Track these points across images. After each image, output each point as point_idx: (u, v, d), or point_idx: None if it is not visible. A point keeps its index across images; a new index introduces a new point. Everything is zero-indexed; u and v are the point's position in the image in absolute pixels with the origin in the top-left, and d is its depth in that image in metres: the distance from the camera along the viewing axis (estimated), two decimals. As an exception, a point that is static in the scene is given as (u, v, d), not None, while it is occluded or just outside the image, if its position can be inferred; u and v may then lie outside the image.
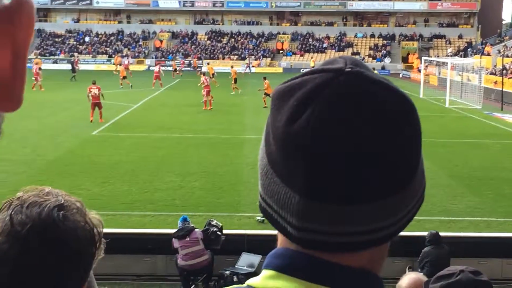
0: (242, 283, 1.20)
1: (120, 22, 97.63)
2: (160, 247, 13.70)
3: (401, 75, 77.84)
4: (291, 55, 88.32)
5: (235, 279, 12.33)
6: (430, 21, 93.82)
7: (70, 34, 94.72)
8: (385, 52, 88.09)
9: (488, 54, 68.56)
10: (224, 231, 13.51)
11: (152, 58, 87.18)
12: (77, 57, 76.58)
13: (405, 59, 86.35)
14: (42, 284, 1.73)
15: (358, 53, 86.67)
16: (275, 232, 1.17)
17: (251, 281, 1.16)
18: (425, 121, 33.93)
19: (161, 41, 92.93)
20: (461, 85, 51.21)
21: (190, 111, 38.23)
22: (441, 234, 12.86)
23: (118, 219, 16.31)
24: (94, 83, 34.21)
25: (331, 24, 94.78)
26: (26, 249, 1.71)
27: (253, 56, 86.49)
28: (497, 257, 13.83)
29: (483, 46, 76.51)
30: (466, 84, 51.70)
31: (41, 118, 33.80)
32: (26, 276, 1.71)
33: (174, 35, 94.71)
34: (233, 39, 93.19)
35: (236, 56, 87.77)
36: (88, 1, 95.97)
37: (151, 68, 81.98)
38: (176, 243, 12.98)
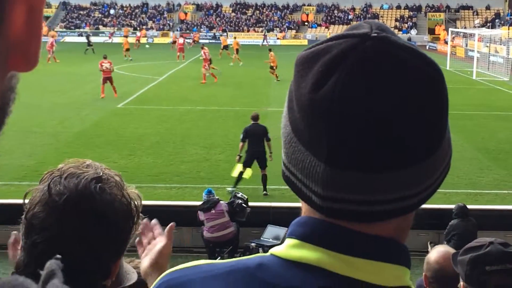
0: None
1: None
2: (186, 219, 13.77)
3: (427, 47, 77.09)
4: (316, 27, 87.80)
5: (260, 251, 12.37)
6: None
7: (95, 7, 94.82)
8: (411, 23, 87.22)
9: (516, 25, 67.70)
10: (250, 204, 13.55)
11: (177, 30, 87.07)
12: (90, 34, 75.96)
13: (431, 31, 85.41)
14: (77, 253, 1.75)
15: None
16: (300, 204, 1.16)
17: (274, 250, 1.15)
18: (452, 93, 33.49)
19: (186, 14, 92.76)
20: (488, 57, 50.65)
21: (215, 84, 38.19)
22: (468, 207, 12.79)
23: (144, 191, 16.26)
24: (105, 58, 32.90)
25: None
26: (63, 218, 1.74)
27: (261, 29, 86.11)
28: (524, 230, 13.76)
29: (511, 17, 75.43)
30: (493, 55, 51.12)
31: (67, 91, 33.96)
32: (61, 244, 1.73)
33: (198, 8, 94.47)
34: (257, 11, 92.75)
35: (261, 29, 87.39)
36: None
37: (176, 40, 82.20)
38: (201, 216, 13.05)
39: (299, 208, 1.18)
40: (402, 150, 1.03)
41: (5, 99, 0.67)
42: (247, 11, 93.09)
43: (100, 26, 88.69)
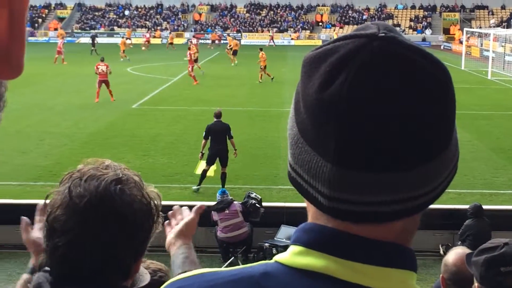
0: None
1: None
2: (199, 219, 13.77)
3: (442, 47, 76.82)
4: (330, 28, 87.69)
5: (274, 251, 12.37)
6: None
7: (109, 8, 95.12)
8: (426, 23, 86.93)
9: (532, 25, 67.33)
10: (263, 204, 13.55)
11: (191, 31, 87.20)
12: (96, 35, 75.81)
13: (446, 31, 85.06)
14: (98, 255, 1.77)
15: (398, 25, 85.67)
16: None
17: (279, 257, 1.13)
18: (467, 93, 33.63)
19: (200, 14, 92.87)
20: (503, 57, 50.40)
21: (229, 84, 38.22)
22: (483, 207, 12.74)
23: (159, 191, 16.41)
24: (102, 60, 31.55)
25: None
26: (83, 221, 1.76)
27: (275, 29, 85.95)
28: (539, 231, 13.67)
29: (527, 16, 75.09)
30: (509, 55, 50.85)
31: (81, 92, 34.09)
32: (83, 246, 1.76)
33: (213, 8, 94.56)
34: (272, 12, 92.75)
35: (275, 29, 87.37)
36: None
37: (190, 41, 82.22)
38: (215, 216, 13.06)
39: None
40: (408, 151, 1.03)
41: None
42: (261, 12, 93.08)
43: (115, 27, 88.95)
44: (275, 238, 12.88)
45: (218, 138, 16.84)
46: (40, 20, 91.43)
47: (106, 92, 30.56)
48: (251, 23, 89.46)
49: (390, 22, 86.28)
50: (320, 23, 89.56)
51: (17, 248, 12.82)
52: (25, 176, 17.87)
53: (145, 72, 44.99)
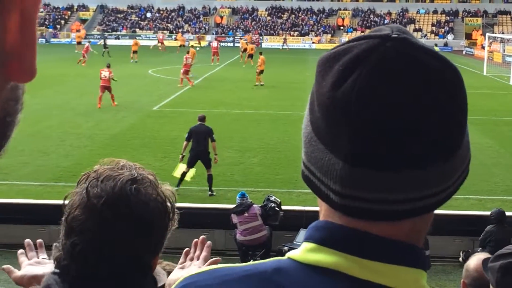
0: None
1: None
2: (219, 222, 13.81)
3: (464, 52, 76.43)
4: (351, 32, 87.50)
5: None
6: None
7: (132, 10, 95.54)
8: (448, 28, 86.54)
9: (555, 31, 66.80)
10: (283, 207, 13.55)
11: (213, 34, 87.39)
12: (107, 36, 75.78)
13: (468, 36, 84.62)
14: (117, 253, 1.82)
15: (420, 30, 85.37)
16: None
17: (291, 254, 1.16)
18: (488, 98, 33.43)
19: (222, 17, 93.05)
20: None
21: (250, 87, 38.26)
22: (504, 213, 12.65)
23: (178, 194, 16.46)
24: (108, 66, 31.21)
25: (392, 0, 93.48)
26: (101, 220, 1.81)
27: (296, 33, 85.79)
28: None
29: (550, 22, 74.53)
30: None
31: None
32: (100, 245, 1.81)
33: (234, 11, 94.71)
34: (293, 15, 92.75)
35: (297, 33, 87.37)
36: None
37: (211, 44, 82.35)
38: (234, 219, 13.08)
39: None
40: (420, 150, 1.04)
41: (7, 109, 0.67)
42: (282, 15, 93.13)
43: (137, 29, 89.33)
44: (294, 242, 12.86)
45: (199, 140, 17.18)
46: (62, 21, 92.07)
47: (128, 94, 30.64)
48: (272, 27, 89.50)
49: (412, 26, 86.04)
50: (342, 27, 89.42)
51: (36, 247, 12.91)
52: (46, 177, 18.00)
53: (166, 74, 45.14)
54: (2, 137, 0.67)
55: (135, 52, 54.55)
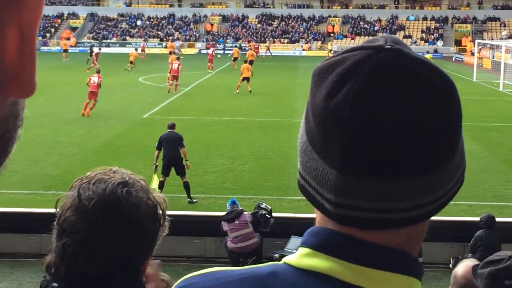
0: None
1: (171, 5, 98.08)
2: (209, 229, 13.79)
3: (453, 59, 76.71)
4: (342, 38, 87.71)
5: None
6: (484, 3, 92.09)
7: (122, 18, 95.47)
8: (437, 35, 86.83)
9: (544, 37, 67.08)
10: (274, 214, 13.54)
11: (203, 41, 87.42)
12: (94, 44, 75.29)
13: (458, 42, 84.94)
14: (107, 254, 1.85)
15: (410, 36, 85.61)
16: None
17: (287, 259, 1.18)
18: (478, 105, 33.57)
19: (212, 25, 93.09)
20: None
21: (241, 94, 38.26)
22: (494, 219, 12.69)
23: (168, 201, 16.39)
24: (98, 72, 31.21)
25: (382, 6, 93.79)
26: (93, 222, 1.84)
27: (272, 39, 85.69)
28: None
29: (539, 28, 74.87)
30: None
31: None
32: (92, 246, 1.84)
33: (224, 19, 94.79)
34: (283, 23, 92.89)
35: (287, 40, 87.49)
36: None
37: (201, 51, 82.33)
38: (225, 226, 13.07)
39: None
40: (413, 159, 1.05)
41: (7, 125, 0.67)
42: (273, 22, 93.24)
43: (127, 37, 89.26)
44: (285, 249, 12.86)
45: (171, 147, 17.18)
46: (52, 29, 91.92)
47: (119, 101, 30.52)
48: (262, 34, 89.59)
49: (401, 33, 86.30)
50: (332, 34, 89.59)
51: (28, 256, 12.87)
52: (36, 185, 17.94)
53: (157, 81, 45.10)
54: (2, 153, 0.67)
55: (131, 62, 54.41)
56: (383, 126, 1.03)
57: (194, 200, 16.94)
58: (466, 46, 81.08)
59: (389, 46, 1.08)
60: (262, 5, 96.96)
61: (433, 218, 1.14)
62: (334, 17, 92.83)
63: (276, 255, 12.79)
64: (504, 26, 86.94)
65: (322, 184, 1.10)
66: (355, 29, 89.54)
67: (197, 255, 13.93)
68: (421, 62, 1.08)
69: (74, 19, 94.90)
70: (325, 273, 1.11)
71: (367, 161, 1.04)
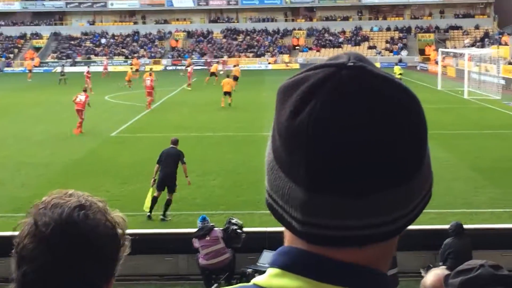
0: None
1: (135, 23, 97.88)
2: (181, 246, 13.73)
3: (418, 68, 77.50)
4: (307, 51, 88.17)
5: (257, 276, 12.31)
6: (445, 12, 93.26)
7: (86, 37, 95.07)
8: (401, 45, 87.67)
9: (506, 44, 67.94)
10: (245, 229, 13.51)
11: (169, 58, 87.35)
12: (64, 64, 75.01)
13: (422, 52, 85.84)
14: (67, 279, 1.82)
15: (374, 47, 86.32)
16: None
17: (256, 280, 1.18)
18: (444, 113, 33.89)
19: (177, 41, 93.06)
20: (479, 76, 50.89)
21: (208, 110, 38.26)
22: (464, 226, 12.77)
23: (139, 219, 16.36)
24: (84, 90, 32.07)
25: (346, 18, 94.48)
26: (50, 247, 1.81)
27: (225, 55, 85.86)
28: (520, 248, 13.72)
29: (500, 36, 75.94)
30: (484, 74, 51.36)
31: (59, 121, 33.95)
32: (50, 272, 1.81)
33: (189, 34, 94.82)
34: (248, 37, 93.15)
35: (252, 54, 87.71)
36: (103, 3, 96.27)
37: (167, 68, 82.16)
38: (196, 243, 13.01)
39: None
40: (376, 176, 1.05)
41: None
42: (238, 37, 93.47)
43: (92, 56, 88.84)
44: (258, 263, 12.83)
45: (168, 162, 17.36)
46: (16, 50, 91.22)
47: (85, 121, 30.35)
48: (228, 48, 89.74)
49: (366, 44, 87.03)
50: (297, 47, 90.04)
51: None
52: (6, 208, 17.71)
53: (123, 99, 44.93)
54: None
55: (129, 81, 54.08)
56: (347, 144, 1.03)
57: (167, 219, 16.86)
58: (430, 55, 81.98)
59: (352, 64, 1.08)
60: (226, 19, 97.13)
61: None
62: (298, 29, 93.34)
63: (249, 270, 12.76)
64: (467, 34, 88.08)
65: (289, 202, 1.09)
66: (320, 41, 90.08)
67: (169, 273, 13.84)
68: (384, 79, 1.08)
69: (38, 39, 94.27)
70: None
71: (330, 179, 1.04)
